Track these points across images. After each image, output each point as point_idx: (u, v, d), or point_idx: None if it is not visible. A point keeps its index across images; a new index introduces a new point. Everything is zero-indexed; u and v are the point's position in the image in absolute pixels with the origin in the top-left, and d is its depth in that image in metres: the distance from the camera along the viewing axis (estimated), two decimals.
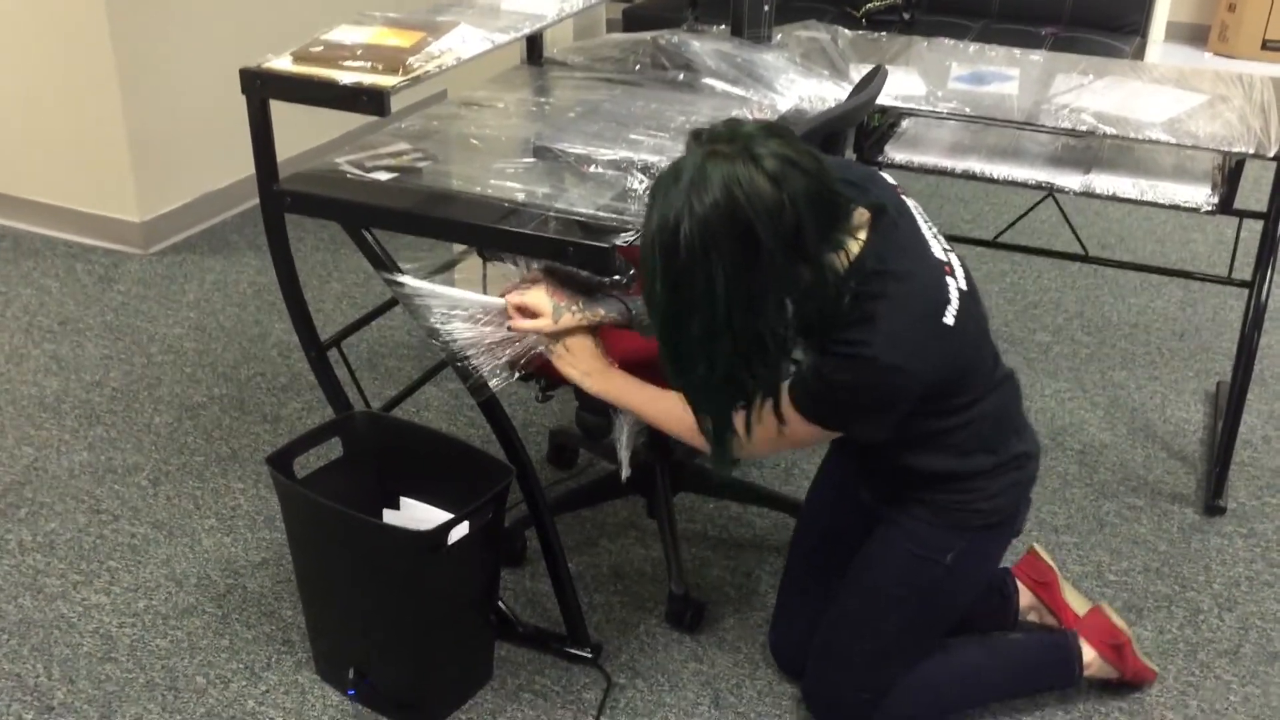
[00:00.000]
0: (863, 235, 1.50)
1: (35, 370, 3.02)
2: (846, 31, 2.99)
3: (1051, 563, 2.19)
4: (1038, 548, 2.23)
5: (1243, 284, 2.73)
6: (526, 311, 1.82)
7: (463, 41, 2.09)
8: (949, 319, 1.54)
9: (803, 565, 2.04)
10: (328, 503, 1.88)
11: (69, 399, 2.90)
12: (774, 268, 1.36)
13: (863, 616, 1.85)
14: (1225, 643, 2.22)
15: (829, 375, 1.54)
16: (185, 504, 2.54)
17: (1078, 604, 2.15)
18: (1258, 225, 2.55)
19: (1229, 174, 2.47)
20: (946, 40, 2.97)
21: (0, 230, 3.79)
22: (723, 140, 1.38)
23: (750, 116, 2.24)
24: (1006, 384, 1.74)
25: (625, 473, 2.10)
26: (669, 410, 1.72)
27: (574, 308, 1.82)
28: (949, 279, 1.57)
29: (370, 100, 1.85)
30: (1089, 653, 2.02)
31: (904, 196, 1.66)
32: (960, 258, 1.67)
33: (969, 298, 1.60)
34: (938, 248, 1.60)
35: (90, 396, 2.91)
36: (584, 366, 1.82)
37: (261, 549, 2.41)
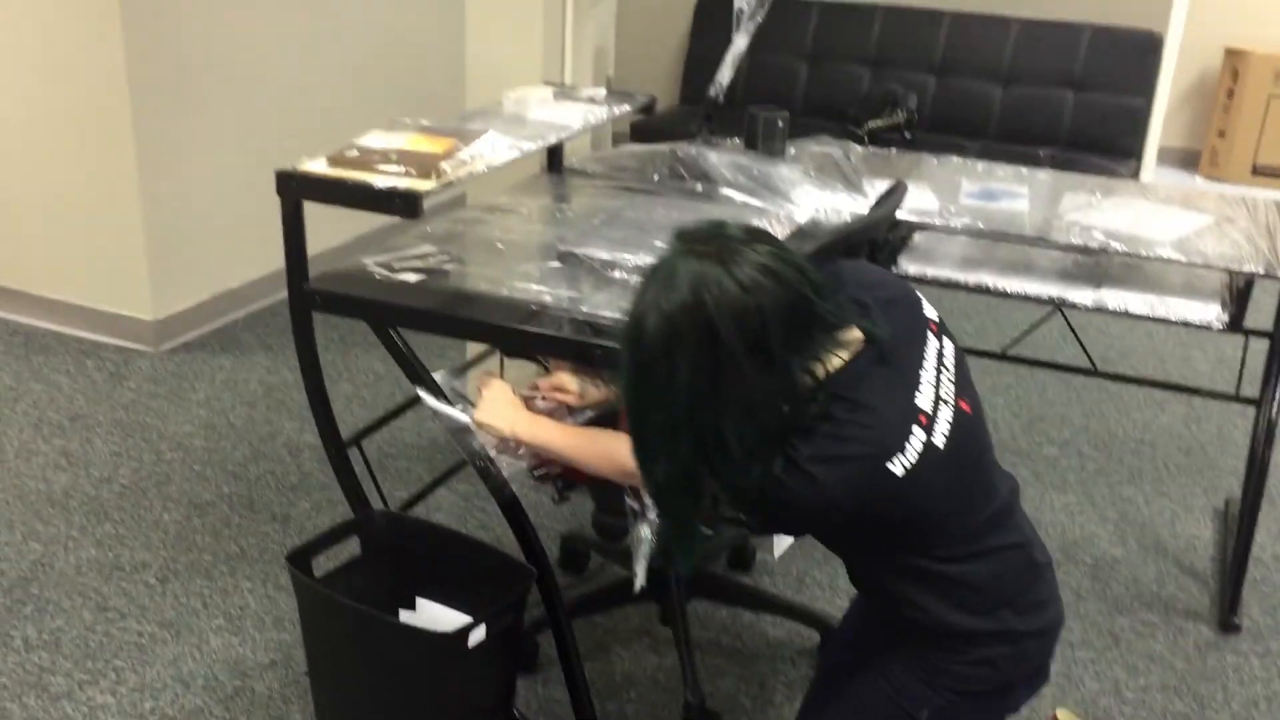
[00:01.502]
0: (845, 355, 1.42)
1: (44, 465, 3.01)
2: (858, 147, 3.06)
3: None
4: (1061, 714, 2.14)
5: (1250, 401, 2.75)
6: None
7: (492, 149, 2.15)
8: (894, 466, 1.41)
9: (828, 672, 2.00)
10: (349, 602, 1.86)
11: (77, 495, 2.89)
12: (736, 371, 1.33)
13: None
14: None
15: (755, 493, 1.45)
16: (193, 603, 2.51)
17: None
18: (1262, 343, 2.59)
19: (1238, 293, 2.52)
20: (955, 158, 3.05)
21: (13, 326, 3.80)
22: (701, 240, 1.38)
23: (769, 226, 2.28)
24: (1005, 554, 1.58)
25: (640, 583, 2.08)
26: (594, 448, 1.72)
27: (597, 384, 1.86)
28: (916, 429, 1.44)
29: (404, 203, 1.89)
30: None
31: (931, 331, 1.55)
32: (962, 417, 1.50)
33: (940, 455, 1.46)
34: (927, 395, 1.48)
35: (99, 493, 2.90)
36: (506, 414, 1.81)
37: (270, 650, 2.38)
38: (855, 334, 1.43)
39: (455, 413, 1.93)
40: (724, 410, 1.34)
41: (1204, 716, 2.30)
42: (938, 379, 1.50)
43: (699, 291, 1.31)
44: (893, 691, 1.64)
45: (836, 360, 1.40)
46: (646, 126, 4.90)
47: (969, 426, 1.50)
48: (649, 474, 1.44)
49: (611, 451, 1.67)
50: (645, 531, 2.07)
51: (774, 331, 1.32)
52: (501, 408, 1.82)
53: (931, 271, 2.65)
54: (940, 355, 1.52)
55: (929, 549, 1.50)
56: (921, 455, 1.42)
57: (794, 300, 1.34)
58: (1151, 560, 2.81)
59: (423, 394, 1.95)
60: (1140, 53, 4.96)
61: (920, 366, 1.48)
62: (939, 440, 1.46)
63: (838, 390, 1.39)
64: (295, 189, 1.95)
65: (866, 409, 1.40)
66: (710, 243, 1.36)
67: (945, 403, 1.47)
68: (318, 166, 1.98)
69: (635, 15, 5.79)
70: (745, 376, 1.33)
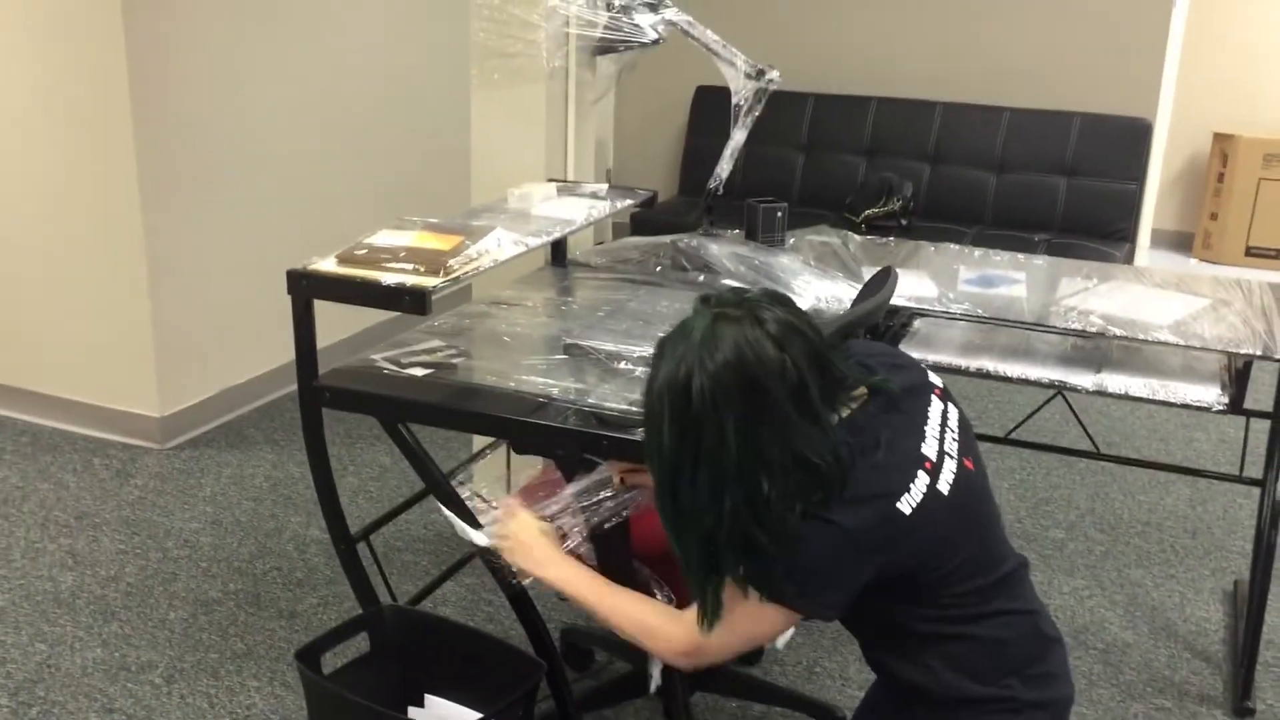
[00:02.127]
0: (854, 406, 1.52)
1: (50, 565, 3.00)
2: (856, 236, 3.11)
3: None
4: None
5: (1254, 482, 2.76)
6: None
7: (498, 245, 2.19)
8: (903, 505, 1.47)
9: None
10: (359, 700, 1.85)
11: (84, 594, 2.88)
12: (781, 423, 1.40)
13: None
14: None
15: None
16: (199, 703, 2.49)
17: None
18: (1263, 424, 2.60)
19: (1237, 375, 2.54)
20: (952, 245, 3.09)
21: (20, 425, 3.82)
22: (730, 305, 1.45)
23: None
24: (1013, 618, 1.62)
25: (655, 684, 2.08)
26: (624, 606, 1.68)
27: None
28: (922, 473, 1.51)
29: (412, 300, 1.93)
30: None
31: (935, 395, 1.63)
32: (965, 472, 1.57)
33: (945, 502, 1.52)
34: (932, 445, 1.55)
35: (105, 592, 2.89)
36: (537, 555, 1.77)
37: None
38: (860, 391, 1.52)
39: (476, 535, 1.91)
40: (770, 464, 1.40)
41: None
42: (941, 435, 1.57)
43: (741, 350, 1.39)
44: None
45: (844, 411, 1.49)
46: (646, 218, 4.96)
47: (973, 481, 1.58)
48: (689, 535, 1.47)
49: (641, 616, 1.65)
50: None
51: (810, 382, 1.41)
52: (532, 550, 1.78)
53: (933, 357, 2.68)
54: (944, 415, 1.60)
55: (939, 603, 1.54)
56: (926, 497, 1.49)
57: (817, 353, 1.43)
58: (1163, 644, 2.79)
59: (446, 513, 1.95)
60: (1130, 139, 5.05)
61: (925, 421, 1.56)
62: (944, 488, 1.53)
63: (846, 437, 1.46)
64: (306, 288, 1.99)
65: (874, 450, 1.48)
66: (739, 306, 1.44)
67: (949, 456, 1.55)
68: (327, 265, 2.02)
69: (634, 109, 5.92)
70: (792, 429, 1.40)
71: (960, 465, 1.56)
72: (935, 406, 1.61)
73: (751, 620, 1.53)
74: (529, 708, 1.95)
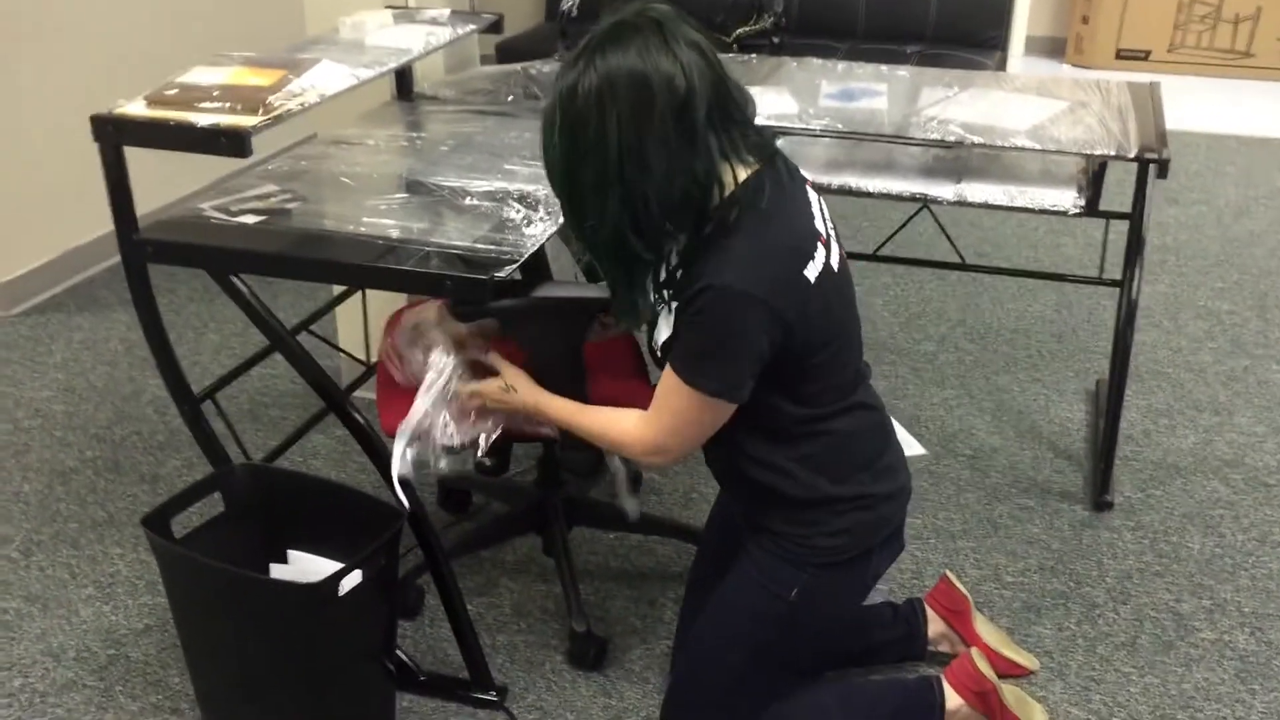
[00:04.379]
0: (745, 173, 1.51)
1: None
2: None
3: (964, 591, 2.18)
4: (950, 576, 2.20)
5: (1114, 283, 2.79)
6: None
7: (326, 78, 2.04)
8: (809, 273, 1.53)
9: (696, 587, 2.02)
10: (208, 561, 1.80)
11: None
12: (663, 132, 1.42)
13: (713, 646, 1.81)
14: (1122, 635, 2.26)
15: (687, 321, 1.53)
16: (60, 574, 2.42)
17: (989, 634, 2.14)
18: (1124, 226, 2.62)
19: (1093, 177, 2.54)
20: (815, 60, 3.01)
21: None
22: (634, 14, 1.47)
23: None
24: (865, 413, 1.71)
25: (634, 515, 2.22)
26: (597, 422, 1.74)
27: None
28: (820, 246, 1.56)
29: (230, 142, 1.79)
30: (954, 699, 1.94)
31: (807, 183, 1.66)
32: (845, 259, 1.66)
33: (836, 276, 1.59)
34: (820, 221, 1.60)
35: None
36: (533, 388, 1.82)
37: (144, 615, 2.30)
38: (751, 158, 1.54)
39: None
40: (648, 169, 1.43)
41: (1080, 593, 2.37)
42: (823, 216, 1.63)
43: (634, 55, 1.42)
44: (760, 578, 1.74)
45: (744, 171, 1.51)
46: (511, 47, 4.77)
47: (847, 269, 1.64)
48: (580, 230, 1.55)
49: (609, 427, 1.72)
50: (616, 462, 2.13)
51: (698, 101, 1.42)
52: (530, 386, 1.83)
53: None
54: (820, 201, 1.66)
55: (808, 394, 1.61)
56: (823, 271, 1.55)
57: (716, 78, 1.46)
58: (1028, 446, 2.87)
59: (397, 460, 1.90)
60: None
61: (809, 201, 1.61)
62: (835, 263, 1.59)
63: (745, 201, 1.50)
64: (113, 134, 1.83)
65: (775, 217, 1.51)
66: (642, 15, 1.46)
67: (834, 237, 1.62)
68: (135, 109, 1.86)
69: None
70: (669, 140, 1.43)
71: (840, 249, 1.62)
72: (811, 192, 1.64)
73: (687, 409, 1.58)
74: (392, 555, 1.92)
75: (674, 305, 1.58)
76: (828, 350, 1.60)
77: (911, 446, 2.86)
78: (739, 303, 1.48)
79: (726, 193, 1.50)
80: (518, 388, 1.83)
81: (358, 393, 2.76)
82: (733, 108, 1.49)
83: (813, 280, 1.53)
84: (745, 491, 1.73)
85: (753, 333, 1.50)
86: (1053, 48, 6.43)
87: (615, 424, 1.71)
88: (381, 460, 1.96)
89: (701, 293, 1.49)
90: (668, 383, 1.59)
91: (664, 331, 1.61)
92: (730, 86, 1.49)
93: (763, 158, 1.54)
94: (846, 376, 1.67)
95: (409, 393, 1.94)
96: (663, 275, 1.61)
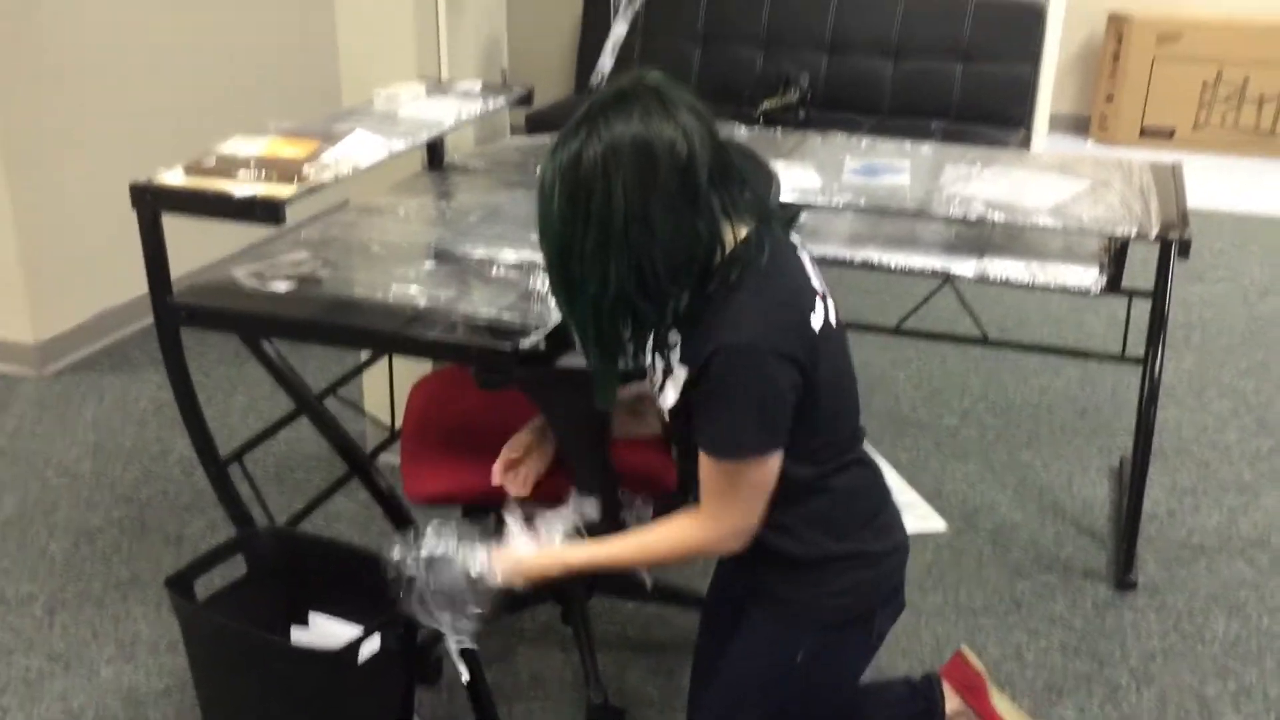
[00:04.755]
0: (744, 231, 1.54)
1: None
2: (744, 129, 3.06)
3: (980, 666, 2.15)
4: (966, 650, 2.18)
5: (1136, 361, 2.80)
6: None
7: (359, 150, 2.10)
8: (814, 323, 1.54)
9: (701, 659, 2.01)
10: (229, 623, 1.81)
11: None
12: (668, 195, 1.44)
13: (722, 713, 1.80)
14: (1146, 718, 2.23)
15: (706, 392, 1.52)
16: (83, 633, 2.43)
17: (1009, 712, 2.11)
18: (1147, 303, 2.63)
19: (1115, 255, 2.56)
20: (840, 135, 3.06)
21: None
22: (631, 82, 1.49)
23: None
24: (863, 470, 1.70)
25: (649, 582, 2.12)
26: (653, 547, 1.65)
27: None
28: (820, 302, 1.59)
29: (265, 211, 1.84)
30: None
31: (799, 245, 1.69)
32: (836, 310, 1.66)
33: (834, 331, 1.60)
34: (816, 278, 1.63)
35: None
36: (545, 565, 1.69)
37: (164, 676, 2.31)
38: (749, 217, 1.56)
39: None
40: (654, 232, 1.45)
41: (1103, 674, 2.34)
42: (817, 275, 1.65)
43: (636, 121, 1.44)
44: (765, 644, 1.73)
45: (743, 230, 1.53)
46: (541, 118, 4.86)
47: (843, 327, 1.65)
48: (578, 302, 1.52)
49: (671, 543, 1.64)
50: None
51: (699, 164, 1.45)
52: (541, 567, 1.70)
53: (819, 250, 2.66)
54: (812, 260, 1.67)
55: (814, 449, 1.59)
56: (824, 324, 1.56)
57: (714, 142, 1.49)
58: (1050, 523, 2.85)
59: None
60: (1024, 22, 5.02)
61: (801, 259, 1.63)
62: (832, 320, 1.60)
63: (746, 260, 1.52)
64: (151, 201, 1.89)
65: (776, 273, 1.54)
66: (640, 83, 1.49)
67: (828, 294, 1.63)
68: (174, 178, 1.91)
69: (528, 4, 5.73)
70: (674, 202, 1.44)
71: (835, 307, 1.63)
72: (803, 251, 1.67)
73: (740, 482, 1.55)
74: (412, 621, 1.92)
75: (674, 365, 1.58)
76: (831, 404, 1.61)
77: (933, 521, 2.85)
78: (754, 357, 1.49)
79: (727, 251, 1.53)
80: (564, 563, 1.70)
81: (382, 456, 2.79)
82: (730, 169, 1.52)
83: (817, 331, 1.55)
84: (748, 555, 1.73)
85: (776, 381, 1.51)
86: (1077, 125, 6.48)
87: (680, 537, 1.63)
88: (404, 525, 1.97)
89: (714, 356, 1.49)
90: (711, 469, 1.56)
91: (670, 395, 1.60)
92: (728, 148, 1.53)
93: (759, 217, 1.57)
94: (846, 433, 1.67)
95: (433, 459, 1.96)
96: (650, 337, 1.60)
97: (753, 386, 1.50)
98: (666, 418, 1.64)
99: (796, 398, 1.53)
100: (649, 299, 1.50)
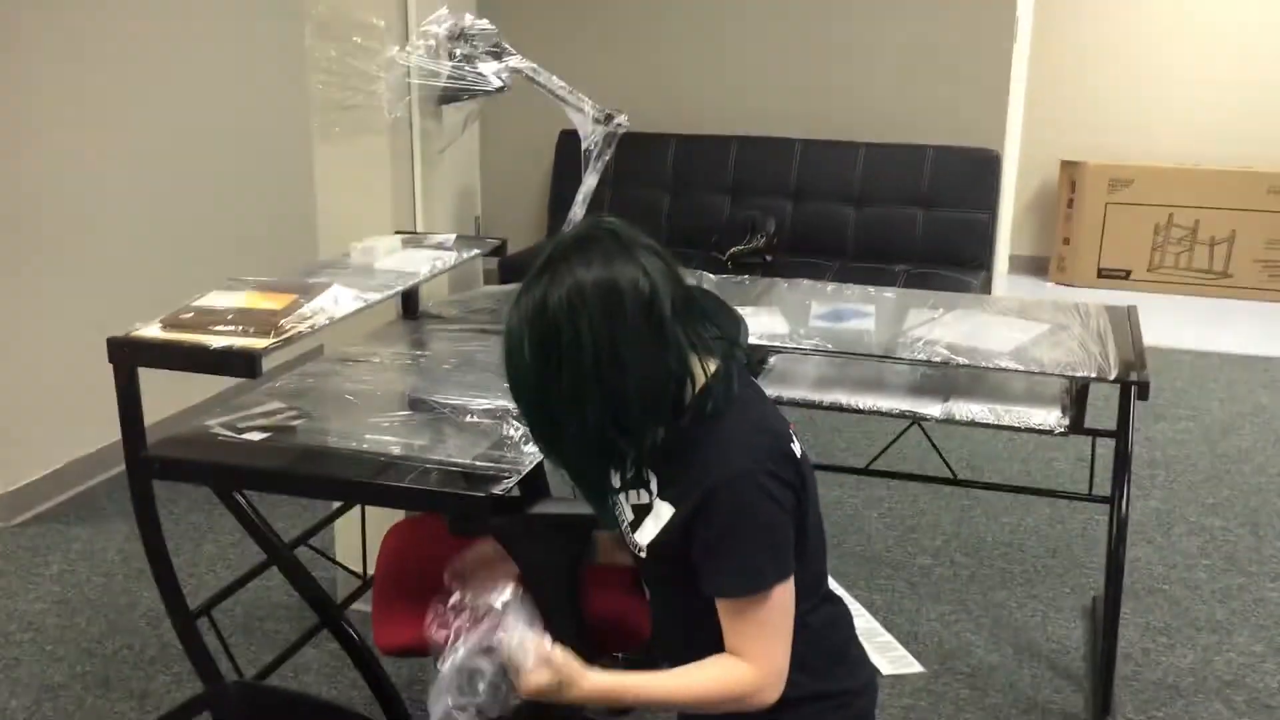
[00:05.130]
0: (713, 366, 1.55)
1: None
2: (711, 275, 3.13)
3: None
4: None
5: (1103, 500, 2.83)
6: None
7: (335, 302, 2.14)
8: (795, 448, 1.55)
9: None
10: None
11: None
12: (635, 330, 1.45)
13: None
14: None
15: (709, 536, 1.49)
16: None
17: None
18: (1111, 442, 2.67)
19: (1076, 396, 2.61)
20: (805, 281, 3.13)
21: None
22: (588, 227, 1.52)
23: None
24: (833, 608, 1.69)
25: None
26: (689, 689, 1.55)
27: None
28: (792, 434, 1.59)
29: (242, 363, 1.87)
30: None
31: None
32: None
33: (808, 468, 1.59)
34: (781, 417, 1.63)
35: None
36: (563, 675, 1.56)
37: None
38: (717, 359, 1.57)
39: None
40: (625, 368, 1.45)
41: None
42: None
43: (597, 265, 1.45)
44: None
45: (711, 364, 1.54)
46: (512, 264, 4.93)
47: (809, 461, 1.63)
48: (558, 444, 1.52)
49: (705, 689, 1.55)
50: None
51: (663, 299, 1.47)
52: (574, 683, 1.57)
53: (788, 394, 2.70)
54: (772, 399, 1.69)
55: (799, 583, 1.55)
56: (801, 455, 1.56)
57: (675, 278, 1.51)
58: (1026, 665, 2.84)
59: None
60: (980, 169, 5.19)
61: (764, 394, 1.64)
62: (806, 453, 1.59)
63: (723, 390, 1.53)
64: (128, 355, 1.91)
65: (752, 403, 1.56)
66: (597, 227, 1.51)
67: (794, 435, 1.60)
68: (151, 331, 1.94)
69: (500, 155, 5.90)
70: (641, 337, 1.45)
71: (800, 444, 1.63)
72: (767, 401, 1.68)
73: (767, 618, 1.51)
74: None
75: (655, 502, 1.56)
76: (815, 535, 1.60)
77: (909, 665, 2.83)
78: (752, 483, 1.48)
79: (699, 385, 1.54)
80: (565, 678, 1.57)
81: (354, 606, 2.76)
82: (693, 303, 1.54)
83: (798, 456, 1.56)
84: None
85: (779, 504, 1.50)
86: (1036, 267, 6.66)
87: (724, 678, 1.53)
88: (373, 677, 1.95)
89: (713, 495, 1.48)
90: (734, 612, 1.50)
91: (649, 531, 1.57)
92: (688, 286, 1.55)
93: (725, 353, 1.59)
94: (818, 568, 1.66)
95: (404, 608, 1.94)
96: (630, 473, 1.59)
97: (759, 515, 1.48)
98: (642, 554, 1.60)
99: (793, 525, 1.52)
100: (625, 435, 1.49)
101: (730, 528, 1.48)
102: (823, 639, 1.64)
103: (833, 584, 1.74)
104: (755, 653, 1.52)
